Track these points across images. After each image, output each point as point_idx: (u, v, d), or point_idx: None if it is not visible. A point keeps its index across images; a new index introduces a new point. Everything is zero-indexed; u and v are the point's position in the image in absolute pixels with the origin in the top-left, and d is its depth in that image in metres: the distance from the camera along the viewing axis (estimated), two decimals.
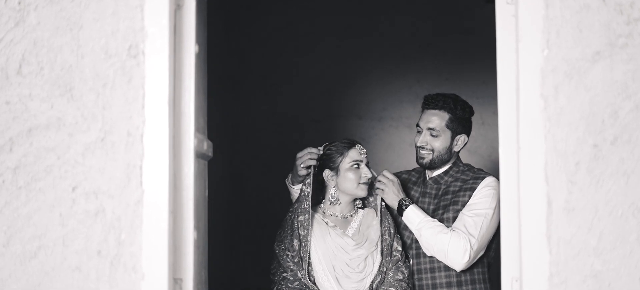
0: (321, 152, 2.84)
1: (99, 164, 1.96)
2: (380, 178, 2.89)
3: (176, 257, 1.99)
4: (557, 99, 1.92)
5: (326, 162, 2.84)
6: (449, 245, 2.70)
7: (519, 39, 1.94)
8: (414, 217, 2.80)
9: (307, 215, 2.75)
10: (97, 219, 1.96)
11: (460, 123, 2.90)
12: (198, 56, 2.07)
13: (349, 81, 5.35)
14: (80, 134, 1.96)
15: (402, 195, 2.87)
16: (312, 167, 2.83)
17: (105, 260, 1.95)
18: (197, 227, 2.05)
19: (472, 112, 2.95)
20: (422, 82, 5.30)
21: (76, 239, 1.96)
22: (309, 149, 2.83)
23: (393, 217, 2.94)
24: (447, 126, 2.88)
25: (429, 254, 2.81)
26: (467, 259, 2.71)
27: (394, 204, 2.85)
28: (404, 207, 2.82)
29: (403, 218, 2.83)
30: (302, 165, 2.82)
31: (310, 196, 2.79)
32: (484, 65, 4.89)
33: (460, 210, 2.82)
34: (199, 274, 2.10)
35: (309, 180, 2.82)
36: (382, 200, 2.89)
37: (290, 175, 2.98)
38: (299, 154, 2.85)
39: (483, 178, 2.87)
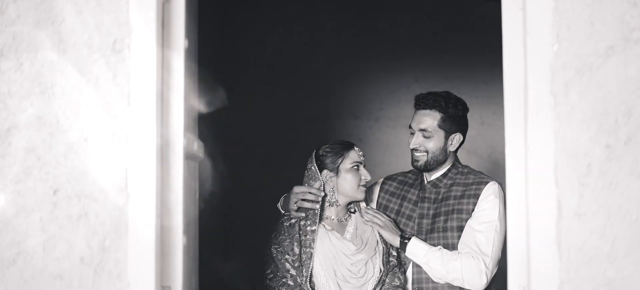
0: (323, 193, 2.77)
1: (82, 165, 1.90)
2: (375, 214, 2.85)
3: (164, 263, 1.93)
4: (567, 96, 1.85)
5: (324, 163, 2.79)
6: (463, 271, 2.65)
7: (527, 32, 1.87)
8: (418, 251, 2.74)
9: (310, 221, 2.72)
10: (80, 223, 1.89)
11: (454, 122, 2.82)
12: (188, 52, 2.01)
13: (345, 80, 5.29)
14: (62, 133, 1.90)
15: (399, 231, 2.82)
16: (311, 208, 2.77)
17: (88, 268, 1.89)
18: (186, 231, 2.00)
19: (466, 109, 2.88)
20: (420, 81, 5.24)
21: (58, 245, 1.89)
22: (308, 190, 2.75)
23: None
24: (440, 126, 2.81)
25: (441, 283, 2.76)
26: (485, 280, 2.66)
27: (395, 241, 2.79)
28: (406, 241, 2.76)
29: (407, 253, 2.77)
30: (298, 205, 2.75)
31: (319, 205, 2.75)
32: (483, 63, 4.86)
33: (465, 219, 2.76)
34: (188, 281, 2.05)
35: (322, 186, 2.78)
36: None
37: (281, 199, 2.89)
38: (297, 190, 2.77)
39: (486, 183, 2.80)
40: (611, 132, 1.84)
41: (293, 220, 2.73)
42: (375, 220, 2.82)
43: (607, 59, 1.85)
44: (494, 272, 2.70)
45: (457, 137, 2.86)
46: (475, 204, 2.76)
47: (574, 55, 1.85)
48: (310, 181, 2.79)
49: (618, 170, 1.84)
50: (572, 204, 1.84)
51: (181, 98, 1.95)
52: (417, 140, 2.84)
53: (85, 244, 1.89)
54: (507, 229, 1.96)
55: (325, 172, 2.79)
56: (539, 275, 1.85)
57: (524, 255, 1.90)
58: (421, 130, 2.82)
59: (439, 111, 2.80)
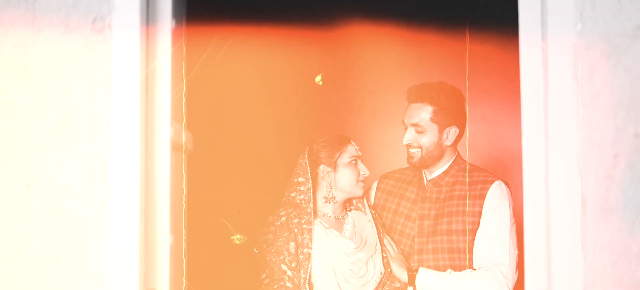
0: None
1: (57, 156, 1.85)
2: (390, 243, 2.78)
3: (149, 264, 1.88)
4: (592, 81, 1.77)
5: (320, 157, 2.72)
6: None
7: (548, 11, 1.78)
8: (430, 280, 2.64)
9: (309, 218, 2.65)
10: (56, 220, 1.85)
11: (448, 114, 2.71)
12: (175, 32, 1.95)
13: (341, 74, 5.19)
14: (36, 121, 1.86)
15: (406, 264, 2.73)
16: None
17: (65, 269, 1.85)
18: (173, 230, 1.95)
19: (461, 99, 2.74)
20: (418, 75, 5.13)
21: (31, 244, 1.84)
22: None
23: (383, 223, 2.84)
24: (432, 120, 2.70)
25: None
26: (507, 289, 2.59)
27: (402, 276, 2.69)
28: (414, 273, 2.67)
29: (418, 286, 2.67)
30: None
31: (311, 200, 2.68)
32: (483, 57, 4.76)
33: (470, 222, 2.67)
34: (176, 284, 1.99)
35: (309, 182, 2.70)
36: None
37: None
38: None
39: (491, 182, 2.69)
40: None
41: (283, 219, 2.65)
42: (390, 249, 2.75)
43: (635, 40, 1.76)
44: (516, 277, 2.61)
45: (452, 131, 2.74)
46: (481, 206, 2.66)
47: (600, 35, 1.77)
48: (298, 176, 2.70)
49: None
50: (598, 199, 1.77)
51: (168, 83, 1.90)
52: (410, 136, 2.74)
53: (62, 243, 1.84)
54: (525, 227, 1.88)
55: (322, 167, 2.71)
56: (561, 277, 1.77)
57: (544, 255, 1.81)
58: (413, 125, 2.71)
59: (431, 104, 2.69)
